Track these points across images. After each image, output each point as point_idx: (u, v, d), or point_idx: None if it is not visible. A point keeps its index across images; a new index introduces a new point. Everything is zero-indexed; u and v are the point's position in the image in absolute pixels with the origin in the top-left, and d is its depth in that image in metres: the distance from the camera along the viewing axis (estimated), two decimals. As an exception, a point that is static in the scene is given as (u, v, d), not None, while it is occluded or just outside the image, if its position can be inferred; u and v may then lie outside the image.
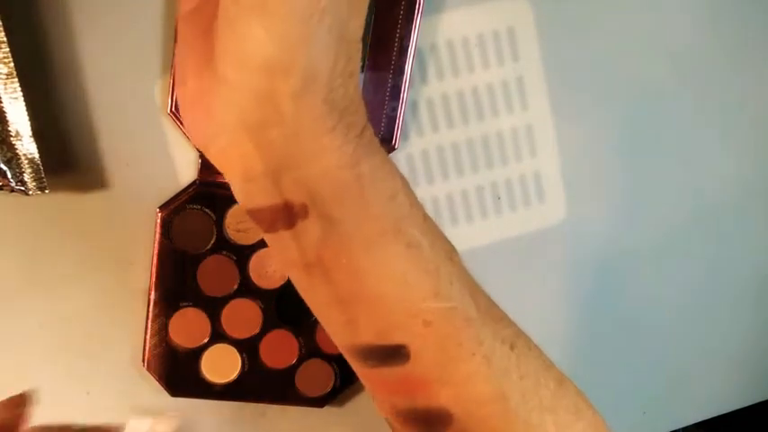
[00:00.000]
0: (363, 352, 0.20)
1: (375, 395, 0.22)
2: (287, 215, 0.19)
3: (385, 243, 0.19)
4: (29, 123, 0.24)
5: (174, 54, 0.27)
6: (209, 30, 0.19)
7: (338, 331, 0.21)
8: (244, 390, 0.31)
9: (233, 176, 0.20)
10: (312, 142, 0.18)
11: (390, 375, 0.20)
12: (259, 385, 0.31)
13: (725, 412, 0.40)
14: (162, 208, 0.28)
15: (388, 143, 0.30)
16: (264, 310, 0.30)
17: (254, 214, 0.20)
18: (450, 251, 0.21)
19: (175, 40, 0.21)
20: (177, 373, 0.30)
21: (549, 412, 0.21)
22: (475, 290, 0.21)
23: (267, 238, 0.21)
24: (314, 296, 0.21)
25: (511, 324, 0.22)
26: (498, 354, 0.20)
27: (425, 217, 0.20)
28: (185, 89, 0.20)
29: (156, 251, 0.29)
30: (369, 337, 0.20)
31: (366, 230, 0.19)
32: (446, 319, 0.20)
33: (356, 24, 0.18)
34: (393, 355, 0.20)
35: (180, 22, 0.20)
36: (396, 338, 0.20)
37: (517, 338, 0.21)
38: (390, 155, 0.30)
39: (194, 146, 0.20)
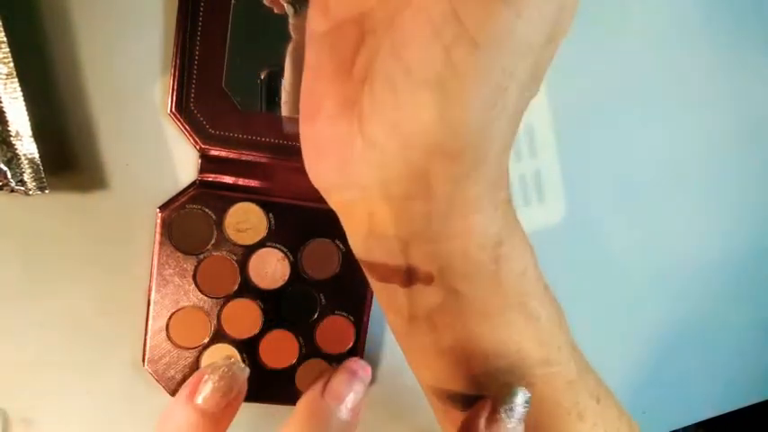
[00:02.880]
0: (454, 397, 0.19)
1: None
2: (407, 277, 0.18)
3: (506, 315, 0.18)
4: (29, 123, 0.24)
5: (177, 68, 0.27)
6: (348, 63, 0.17)
7: (428, 372, 0.20)
8: (244, 390, 0.31)
9: (354, 228, 0.18)
10: (458, 221, 0.17)
11: (476, 424, 0.19)
12: (259, 385, 0.31)
13: (725, 412, 0.40)
14: (162, 208, 0.28)
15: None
16: (264, 310, 0.30)
17: (369, 265, 0.19)
18: (561, 316, 0.20)
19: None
20: (178, 373, 0.30)
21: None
22: (574, 349, 0.21)
23: (375, 283, 0.19)
24: (410, 339, 0.20)
25: (596, 376, 0.21)
26: (590, 410, 0.20)
27: (545, 287, 0.20)
28: (315, 129, 0.18)
29: (156, 251, 0.29)
30: (464, 386, 0.19)
31: (490, 304, 0.18)
32: (549, 383, 0.19)
33: (531, 96, 0.16)
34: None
35: (310, 43, 0.18)
36: (494, 393, 0.19)
37: (600, 389, 0.21)
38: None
39: (312, 180, 0.19)
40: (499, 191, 0.17)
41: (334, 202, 0.19)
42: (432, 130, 0.15)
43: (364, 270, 0.19)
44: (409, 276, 0.18)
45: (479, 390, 0.19)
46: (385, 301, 0.20)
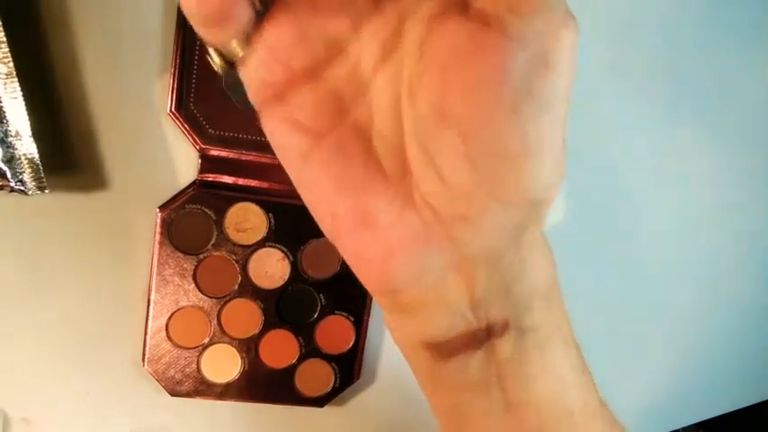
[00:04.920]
0: None
1: None
2: (486, 335, 0.18)
3: (553, 343, 0.18)
4: (29, 123, 0.24)
5: (177, 68, 0.27)
6: (370, 167, 0.16)
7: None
8: (244, 390, 0.31)
9: (442, 310, 0.18)
10: (533, 258, 0.18)
11: None
12: (259, 385, 0.31)
13: (725, 412, 0.40)
14: (162, 208, 0.28)
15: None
16: (264, 310, 0.30)
17: (444, 347, 0.18)
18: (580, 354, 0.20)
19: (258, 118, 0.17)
20: (177, 373, 0.30)
21: None
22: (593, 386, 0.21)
23: (431, 367, 0.19)
24: (470, 410, 0.19)
25: (605, 407, 0.22)
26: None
27: (569, 320, 0.20)
28: (376, 237, 0.17)
29: (156, 251, 0.29)
30: None
31: (544, 332, 0.18)
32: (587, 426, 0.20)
33: None
34: None
35: (298, 166, 0.17)
36: None
37: (610, 423, 0.22)
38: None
39: (378, 285, 0.18)
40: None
41: (412, 296, 0.18)
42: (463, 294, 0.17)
43: (429, 353, 0.19)
44: (488, 334, 0.18)
45: None
46: (446, 381, 0.19)
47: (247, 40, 0.15)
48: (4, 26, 0.23)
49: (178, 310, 0.29)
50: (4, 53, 0.24)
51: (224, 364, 0.30)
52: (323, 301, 0.31)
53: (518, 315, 0.18)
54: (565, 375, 0.19)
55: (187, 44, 0.26)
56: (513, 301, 0.17)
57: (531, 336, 0.18)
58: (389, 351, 0.34)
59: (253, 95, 0.16)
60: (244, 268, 0.30)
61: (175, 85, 0.27)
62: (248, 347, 0.30)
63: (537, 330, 0.18)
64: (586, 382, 0.20)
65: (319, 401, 0.32)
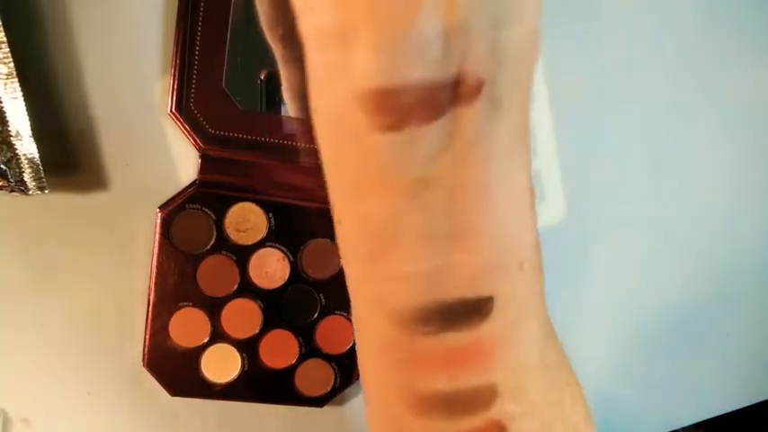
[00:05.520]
0: (439, 311, 0.16)
1: (401, 377, 0.18)
2: (446, 97, 0.14)
3: (514, 153, 0.15)
4: (29, 123, 0.24)
5: (177, 68, 0.27)
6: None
7: (412, 286, 0.16)
8: (244, 390, 0.31)
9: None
10: None
11: (452, 343, 0.16)
12: (259, 385, 0.31)
13: (725, 412, 0.40)
14: (162, 208, 0.28)
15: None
16: (264, 310, 0.30)
17: (391, 98, 0.13)
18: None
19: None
20: (177, 372, 0.30)
21: (569, 385, 0.20)
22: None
23: (366, 140, 0.14)
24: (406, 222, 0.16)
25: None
26: (544, 305, 0.18)
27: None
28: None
29: (156, 251, 0.29)
30: (459, 286, 0.16)
31: (510, 133, 0.15)
32: (536, 267, 0.17)
33: None
34: (474, 310, 0.16)
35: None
36: (488, 287, 0.16)
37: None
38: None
39: None
40: None
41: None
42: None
43: (373, 112, 0.14)
44: (454, 94, 0.14)
45: (478, 288, 0.16)
46: (391, 165, 0.15)
47: None
48: (4, 26, 0.23)
49: (178, 310, 0.29)
50: (4, 53, 0.24)
51: (224, 364, 0.30)
52: (323, 301, 0.31)
53: (496, 77, 0.14)
54: (525, 198, 0.16)
55: (187, 44, 0.26)
56: (495, 50, 0.13)
57: (502, 118, 0.14)
58: None
59: None
60: (244, 268, 0.30)
61: (175, 85, 0.27)
62: (248, 347, 0.30)
63: (507, 113, 0.14)
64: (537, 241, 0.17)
65: (319, 401, 0.32)
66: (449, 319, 0.16)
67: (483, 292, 0.16)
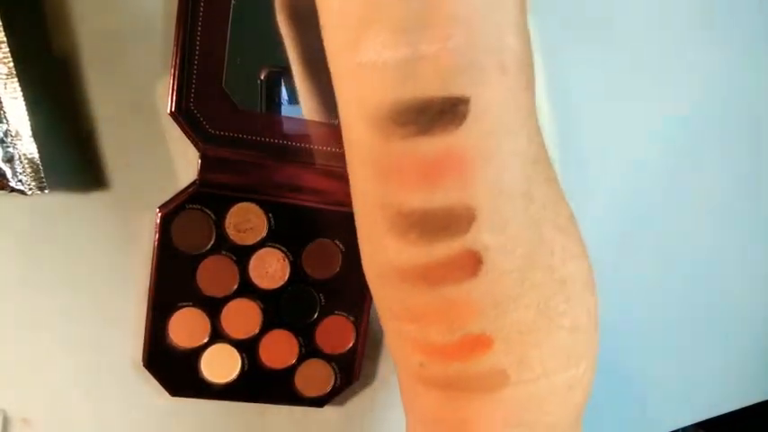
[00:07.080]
0: (412, 109, 0.16)
1: (383, 192, 0.18)
2: None
3: None
4: (29, 123, 0.24)
5: (177, 68, 0.27)
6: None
7: (384, 79, 0.16)
8: (244, 390, 0.31)
9: None
10: None
11: (427, 151, 0.16)
12: (259, 385, 0.31)
13: (725, 412, 0.40)
14: (162, 208, 0.28)
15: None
16: (264, 310, 0.30)
17: None
18: None
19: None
20: (177, 373, 0.30)
21: (560, 233, 0.19)
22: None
23: None
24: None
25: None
26: (536, 141, 0.18)
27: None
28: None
29: (155, 251, 0.29)
30: (431, 80, 0.16)
31: None
32: (521, 77, 0.17)
33: None
34: (449, 111, 0.16)
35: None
36: (461, 85, 0.16)
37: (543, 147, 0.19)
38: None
39: None
40: None
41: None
42: None
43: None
44: None
45: (452, 86, 0.16)
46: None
47: None
48: (4, 26, 0.23)
49: (178, 310, 0.29)
50: (4, 53, 0.24)
51: (224, 364, 0.30)
52: (323, 301, 0.31)
53: None
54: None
55: (187, 44, 0.26)
56: None
57: None
58: (390, 351, 0.34)
59: None
60: (244, 268, 0.30)
61: (175, 86, 0.27)
62: (248, 347, 0.30)
63: None
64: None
65: (319, 401, 0.32)
66: (422, 121, 0.16)
67: (456, 90, 0.16)
